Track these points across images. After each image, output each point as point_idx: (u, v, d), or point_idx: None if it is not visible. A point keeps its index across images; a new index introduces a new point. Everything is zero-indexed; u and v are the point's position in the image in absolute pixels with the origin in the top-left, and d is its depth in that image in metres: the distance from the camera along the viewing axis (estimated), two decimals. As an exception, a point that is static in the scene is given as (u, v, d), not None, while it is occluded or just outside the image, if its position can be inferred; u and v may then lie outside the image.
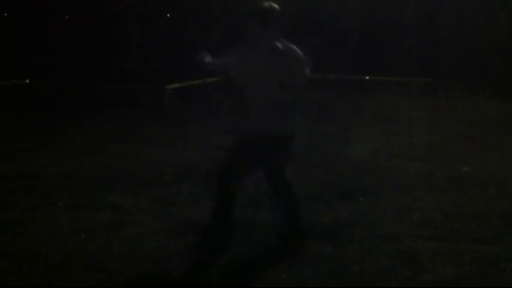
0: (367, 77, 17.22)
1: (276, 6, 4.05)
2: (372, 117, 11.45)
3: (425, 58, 17.15)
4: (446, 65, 17.26)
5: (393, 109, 12.65)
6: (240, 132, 4.34)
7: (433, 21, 18.00)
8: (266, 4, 4.04)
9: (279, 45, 4.03)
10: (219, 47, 4.31)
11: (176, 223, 4.87)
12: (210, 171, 6.65)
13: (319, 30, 17.52)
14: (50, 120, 10.67)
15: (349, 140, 8.87)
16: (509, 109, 12.80)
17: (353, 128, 10.09)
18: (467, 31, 17.69)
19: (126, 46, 17.94)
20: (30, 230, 4.68)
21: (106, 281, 3.80)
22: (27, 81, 14.37)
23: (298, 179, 6.40)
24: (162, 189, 5.94)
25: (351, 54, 17.79)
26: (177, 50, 17.92)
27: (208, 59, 4.24)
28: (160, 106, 12.59)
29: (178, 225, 4.81)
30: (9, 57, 16.21)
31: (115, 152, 7.76)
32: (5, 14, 19.25)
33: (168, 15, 20.22)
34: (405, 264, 4.10)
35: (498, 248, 4.38)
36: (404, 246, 4.42)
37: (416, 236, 4.65)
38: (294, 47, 4.07)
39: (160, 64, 16.99)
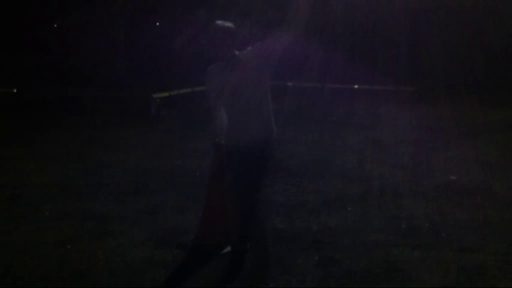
0: (356, 86, 17.29)
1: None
2: (358, 125, 11.48)
3: (410, 67, 17.26)
4: (431, 74, 17.37)
5: (379, 117, 12.69)
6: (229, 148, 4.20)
7: (417, 30, 18.13)
8: (231, 25, 4.01)
9: (256, 51, 3.99)
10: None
11: (162, 233, 4.84)
12: (196, 180, 6.65)
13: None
14: (35, 128, 10.58)
15: (336, 149, 8.88)
16: (495, 117, 12.90)
17: (339, 136, 10.11)
18: (452, 40, 17.84)
19: (115, 54, 17.90)
20: (13, 239, 4.63)
21: (91, 291, 3.76)
22: (15, 90, 14.24)
23: (285, 187, 6.44)
24: (148, 198, 5.90)
25: (339, 62, 17.87)
26: (165, 59, 17.91)
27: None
28: (147, 114, 12.54)
29: (164, 235, 4.77)
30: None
31: (101, 160, 7.70)
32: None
33: (158, 23, 20.22)
34: (392, 273, 4.10)
35: (485, 257, 4.39)
36: (392, 255, 4.42)
37: (403, 244, 4.65)
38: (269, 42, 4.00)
39: (149, 72, 16.97)
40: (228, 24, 3.99)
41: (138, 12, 18.44)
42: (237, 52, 3.98)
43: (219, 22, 3.98)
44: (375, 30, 18.09)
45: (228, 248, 4.43)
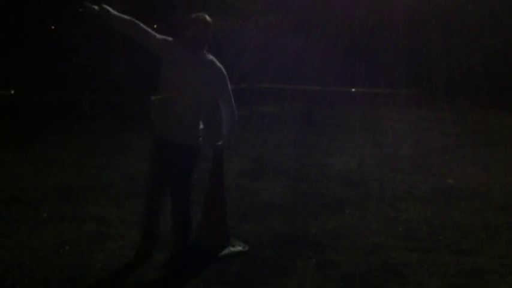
0: (353, 89, 17.33)
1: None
2: (357, 128, 11.50)
3: (410, 70, 17.31)
4: (431, 77, 17.42)
5: (378, 121, 12.73)
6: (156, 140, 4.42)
7: (418, 34, 18.17)
8: (211, 20, 4.10)
9: (219, 65, 4.15)
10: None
11: (161, 235, 4.84)
12: (195, 182, 6.65)
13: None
14: (34, 131, 10.59)
15: (335, 152, 8.90)
16: (493, 120, 12.94)
17: (339, 139, 10.14)
18: (452, 44, 17.88)
19: (113, 57, 17.91)
20: (13, 242, 4.63)
21: (90, 294, 3.77)
22: (12, 92, 14.24)
23: (284, 190, 6.46)
24: (148, 201, 5.89)
25: (337, 65, 17.90)
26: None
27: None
28: (146, 117, 12.53)
29: (163, 238, 4.77)
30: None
31: (100, 164, 7.71)
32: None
33: (155, 26, 20.21)
34: (390, 275, 4.11)
35: (482, 260, 4.41)
36: (390, 258, 4.44)
37: (401, 247, 4.67)
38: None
39: (147, 75, 16.95)
40: (209, 18, 4.09)
41: (137, 15, 18.45)
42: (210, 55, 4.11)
43: (202, 14, 4.11)
44: (375, 33, 18.14)
45: (227, 250, 4.45)
